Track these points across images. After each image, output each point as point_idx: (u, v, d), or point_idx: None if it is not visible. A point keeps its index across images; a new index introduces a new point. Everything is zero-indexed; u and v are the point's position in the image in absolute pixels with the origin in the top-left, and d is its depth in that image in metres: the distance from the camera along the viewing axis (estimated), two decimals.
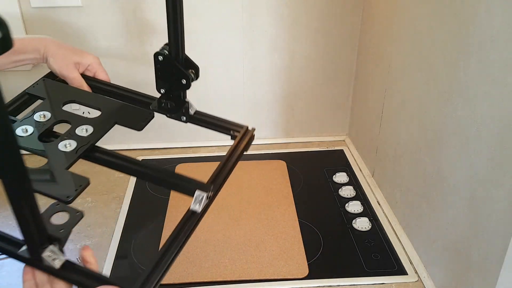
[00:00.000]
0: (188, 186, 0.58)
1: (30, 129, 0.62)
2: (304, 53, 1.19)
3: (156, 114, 0.69)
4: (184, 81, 0.65)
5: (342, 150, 1.27)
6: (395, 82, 0.97)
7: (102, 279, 0.50)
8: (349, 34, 1.17)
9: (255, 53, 1.18)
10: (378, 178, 1.11)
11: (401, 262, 0.89)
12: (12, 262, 0.54)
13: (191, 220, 0.57)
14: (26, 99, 0.71)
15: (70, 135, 0.62)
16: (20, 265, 0.51)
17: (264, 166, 1.18)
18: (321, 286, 0.84)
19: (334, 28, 1.16)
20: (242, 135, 0.69)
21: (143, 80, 1.10)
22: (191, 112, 0.70)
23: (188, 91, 0.67)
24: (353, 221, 0.99)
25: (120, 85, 0.77)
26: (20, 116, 0.66)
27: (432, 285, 0.83)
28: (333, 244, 0.94)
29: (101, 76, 0.80)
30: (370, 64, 1.11)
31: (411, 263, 0.89)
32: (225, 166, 0.63)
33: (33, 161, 0.59)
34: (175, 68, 0.64)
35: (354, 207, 1.03)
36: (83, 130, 0.63)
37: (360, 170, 1.17)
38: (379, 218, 1.00)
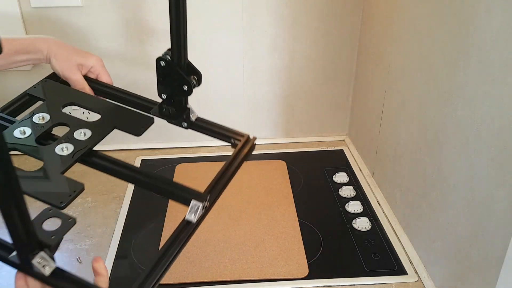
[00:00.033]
0: (183, 195, 0.57)
1: (28, 131, 0.61)
2: (304, 53, 1.19)
3: None
4: (186, 88, 0.64)
5: (342, 150, 1.27)
6: (395, 82, 0.97)
7: None
8: (349, 34, 1.17)
9: (255, 53, 1.18)
10: (378, 178, 1.11)
11: (401, 262, 0.89)
12: None
13: (186, 230, 0.55)
14: (26, 100, 0.71)
15: (68, 138, 0.61)
16: None
17: (264, 166, 1.18)
18: (321, 286, 0.84)
19: (334, 28, 1.16)
20: (242, 144, 0.67)
21: (143, 80, 1.11)
22: (193, 118, 0.69)
23: None
24: (353, 221, 0.99)
25: (122, 89, 0.76)
26: (20, 117, 0.65)
27: (432, 285, 0.83)
28: (333, 244, 0.94)
29: (104, 78, 0.79)
30: (370, 64, 1.11)
31: (411, 263, 0.88)
32: (224, 175, 0.62)
33: (29, 164, 0.58)
34: (177, 74, 0.63)
35: (354, 207, 1.03)
36: (81, 134, 0.62)
37: (360, 170, 1.17)
38: (379, 218, 1.00)
